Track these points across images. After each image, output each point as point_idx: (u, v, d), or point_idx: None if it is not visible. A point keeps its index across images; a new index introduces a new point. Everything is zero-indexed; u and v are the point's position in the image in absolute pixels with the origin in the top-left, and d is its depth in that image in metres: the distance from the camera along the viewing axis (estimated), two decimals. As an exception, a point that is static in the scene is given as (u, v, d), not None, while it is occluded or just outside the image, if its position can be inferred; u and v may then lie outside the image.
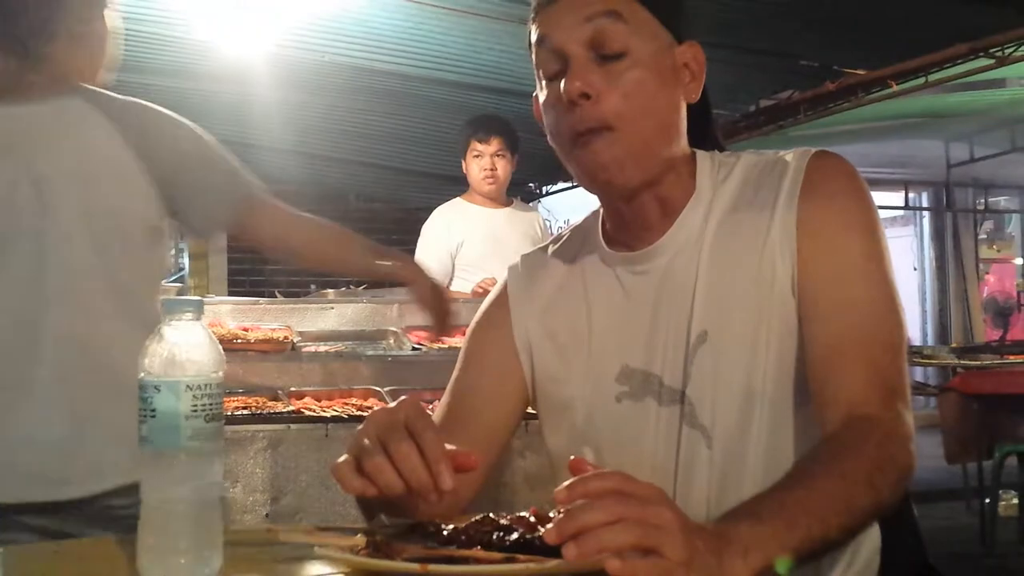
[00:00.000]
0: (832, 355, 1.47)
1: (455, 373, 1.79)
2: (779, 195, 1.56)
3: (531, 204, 5.85)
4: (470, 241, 5.26)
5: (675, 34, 1.59)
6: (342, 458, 1.37)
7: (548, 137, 1.62)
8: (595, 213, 1.74)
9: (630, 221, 1.64)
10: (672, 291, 1.60)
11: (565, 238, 1.81)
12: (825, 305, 1.50)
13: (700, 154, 1.66)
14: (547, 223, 6.06)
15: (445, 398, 1.77)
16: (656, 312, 1.61)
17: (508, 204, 5.38)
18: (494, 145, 5.20)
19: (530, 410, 1.82)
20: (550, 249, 1.81)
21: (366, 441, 1.35)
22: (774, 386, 1.53)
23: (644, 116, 1.54)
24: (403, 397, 1.40)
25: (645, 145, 1.55)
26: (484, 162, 5.20)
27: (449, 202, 5.43)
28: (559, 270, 1.76)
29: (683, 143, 1.63)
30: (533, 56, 1.60)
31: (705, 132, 1.70)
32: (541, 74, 1.60)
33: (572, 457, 1.22)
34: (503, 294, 1.80)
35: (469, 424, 1.71)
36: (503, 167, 5.24)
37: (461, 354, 1.81)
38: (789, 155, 1.61)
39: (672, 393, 1.58)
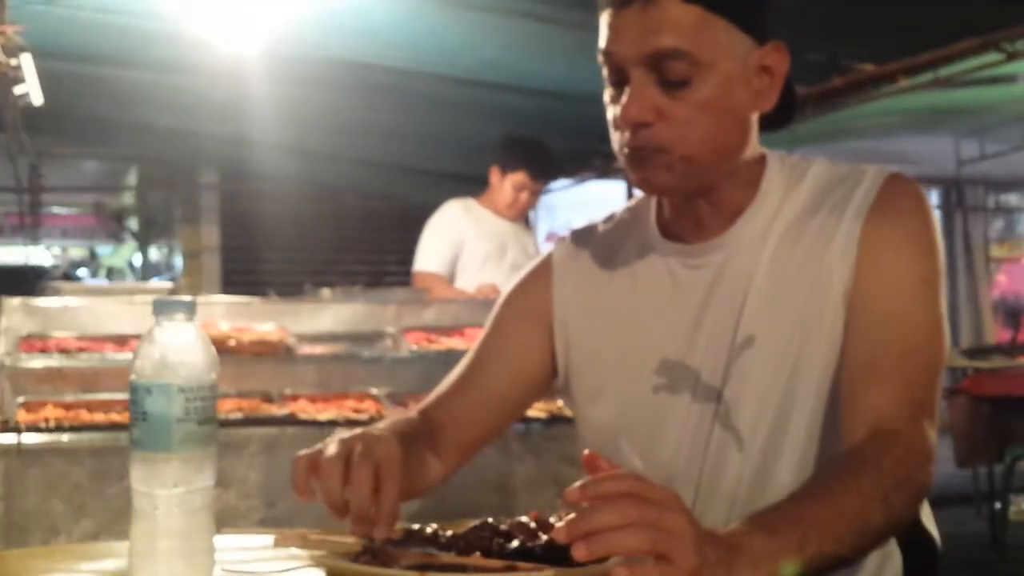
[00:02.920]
0: (867, 367, 1.48)
1: (482, 333, 1.81)
2: (846, 211, 1.57)
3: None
4: (475, 241, 5.32)
5: (756, 36, 1.53)
6: (306, 451, 1.40)
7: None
8: (649, 196, 1.72)
9: (685, 216, 1.64)
10: (725, 290, 1.60)
11: (617, 218, 1.80)
12: (870, 318, 1.51)
13: (771, 157, 1.65)
14: (554, 222, 6.16)
15: (466, 357, 1.80)
16: (704, 307, 1.61)
17: (516, 219, 5.46)
18: (541, 184, 5.33)
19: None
20: (600, 228, 1.81)
21: (335, 447, 1.38)
22: (815, 398, 1.54)
23: (703, 144, 1.52)
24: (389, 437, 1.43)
25: (699, 168, 1.54)
26: (523, 196, 5.29)
27: (463, 199, 5.47)
28: (608, 251, 1.75)
29: (750, 151, 1.60)
30: (598, 54, 1.56)
31: (788, 115, 1.68)
32: (604, 75, 1.57)
33: (586, 452, 1.20)
34: (547, 265, 1.80)
35: (479, 387, 1.76)
36: (535, 201, 5.42)
37: (491, 316, 1.82)
38: (864, 171, 1.61)
39: (708, 391, 1.58)
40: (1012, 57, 5.51)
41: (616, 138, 1.56)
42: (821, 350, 1.53)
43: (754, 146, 1.61)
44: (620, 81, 1.53)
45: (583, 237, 1.81)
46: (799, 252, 1.57)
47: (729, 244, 1.61)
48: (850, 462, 1.37)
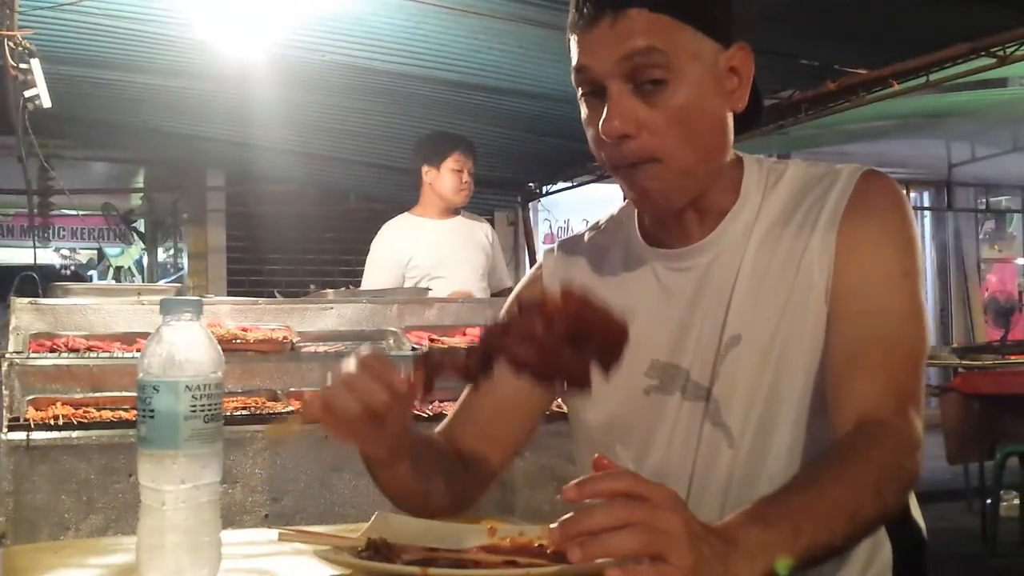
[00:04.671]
0: (852, 358, 1.49)
1: None
2: (824, 210, 1.58)
3: (480, 215, 6.03)
4: (419, 254, 5.45)
5: (721, 39, 1.55)
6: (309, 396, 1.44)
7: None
8: (630, 204, 1.74)
9: (669, 222, 1.66)
10: (710, 291, 1.62)
11: (601, 227, 1.83)
12: (852, 310, 1.53)
13: (748, 160, 1.67)
14: (553, 223, 6.13)
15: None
16: (691, 309, 1.63)
17: (455, 215, 5.58)
18: (471, 161, 5.46)
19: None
20: (586, 236, 1.83)
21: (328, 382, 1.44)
22: (800, 393, 1.56)
23: (687, 145, 1.53)
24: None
25: (689, 173, 1.56)
26: (464, 176, 5.43)
27: (396, 219, 5.63)
28: (594, 259, 1.78)
29: (727, 151, 1.63)
30: (572, 73, 1.58)
31: (755, 116, 1.69)
32: (580, 92, 1.58)
33: (596, 455, 1.20)
34: (538, 277, 1.83)
35: (491, 404, 1.76)
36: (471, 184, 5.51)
37: None
38: (839, 171, 1.63)
39: (698, 389, 1.61)
40: (1002, 61, 5.52)
41: (603, 157, 1.57)
42: (804, 347, 1.55)
43: (730, 149, 1.64)
44: (596, 97, 1.54)
45: (570, 247, 1.84)
46: (780, 252, 1.59)
47: (712, 247, 1.63)
48: (840, 453, 1.38)
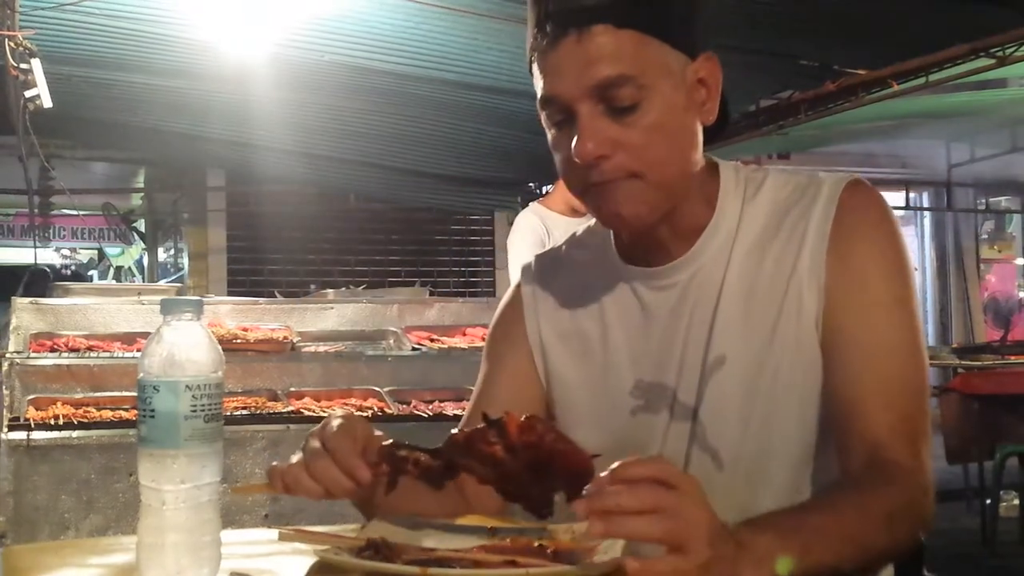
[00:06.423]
0: (856, 397, 1.45)
1: (478, 378, 1.78)
2: (809, 226, 1.52)
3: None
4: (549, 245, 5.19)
5: (688, 51, 1.49)
6: (276, 464, 1.41)
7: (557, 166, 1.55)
8: None
9: (646, 240, 1.61)
10: (692, 308, 1.57)
11: (578, 242, 1.78)
12: (850, 345, 1.48)
13: (724, 168, 1.62)
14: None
15: (469, 405, 1.78)
16: (674, 327, 1.58)
17: (585, 214, 5.29)
18: None
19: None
20: (563, 250, 1.79)
21: (294, 458, 1.40)
22: (798, 425, 1.52)
23: (662, 163, 1.48)
24: (339, 417, 1.44)
25: (668, 188, 1.50)
26: None
27: (533, 208, 5.31)
28: (573, 275, 1.74)
29: (700, 164, 1.56)
30: (539, 105, 1.51)
31: (722, 126, 1.62)
32: (546, 117, 1.51)
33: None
34: (517, 296, 1.79)
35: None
36: None
37: (482, 359, 1.80)
38: (822, 181, 1.56)
39: (684, 410, 1.56)
40: (1002, 62, 5.54)
41: (574, 179, 1.50)
42: (798, 375, 1.51)
43: (701, 162, 1.56)
44: (565, 120, 1.47)
45: (547, 265, 1.79)
46: (766, 269, 1.54)
47: (692, 263, 1.58)
48: (855, 485, 1.37)
